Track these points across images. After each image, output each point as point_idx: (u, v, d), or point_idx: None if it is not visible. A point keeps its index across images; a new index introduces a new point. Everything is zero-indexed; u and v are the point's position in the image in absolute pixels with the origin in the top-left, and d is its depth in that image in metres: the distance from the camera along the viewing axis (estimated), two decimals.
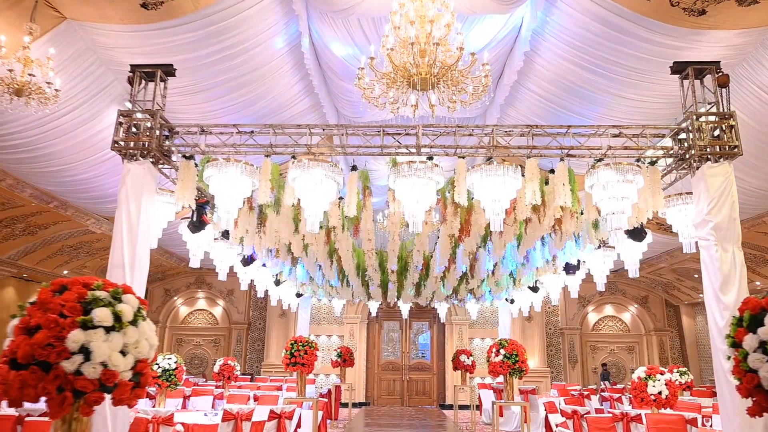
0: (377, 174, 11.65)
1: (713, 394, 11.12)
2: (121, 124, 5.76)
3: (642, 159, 5.60)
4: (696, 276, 14.62)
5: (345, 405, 14.66)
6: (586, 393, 9.46)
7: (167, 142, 5.91)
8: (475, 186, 5.44)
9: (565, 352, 17.51)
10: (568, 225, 6.35)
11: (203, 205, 7.19)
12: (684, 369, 9.08)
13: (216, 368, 10.57)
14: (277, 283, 11.99)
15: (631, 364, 17.58)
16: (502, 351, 6.73)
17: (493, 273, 9.31)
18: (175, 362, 7.77)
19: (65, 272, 13.78)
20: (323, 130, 5.77)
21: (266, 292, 13.43)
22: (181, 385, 8.04)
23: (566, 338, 17.64)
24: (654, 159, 5.85)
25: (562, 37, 7.63)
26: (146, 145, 5.70)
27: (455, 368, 13.12)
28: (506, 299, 14.35)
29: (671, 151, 5.64)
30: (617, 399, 8.41)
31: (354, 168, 6.06)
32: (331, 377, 17.00)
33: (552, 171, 6.21)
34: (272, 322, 17.70)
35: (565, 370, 17.39)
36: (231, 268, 10.95)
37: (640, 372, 6.56)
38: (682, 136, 5.69)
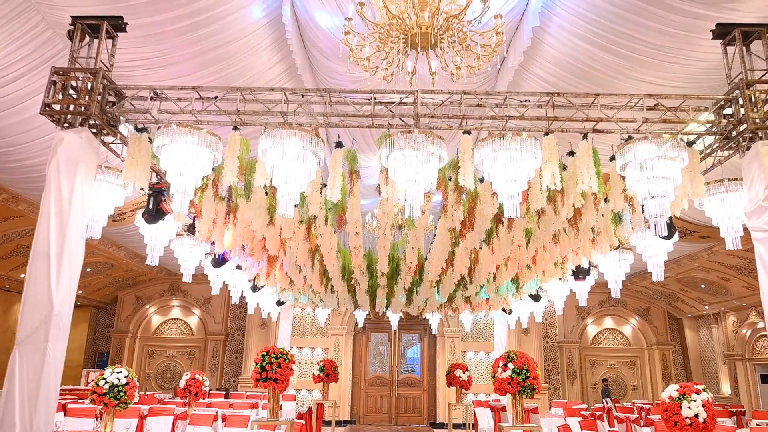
0: (367, 172, 10.68)
1: (731, 414, 10.22)
2: (54, 83, 4.74)
3: (680, 137, 4.70)
4: (703, 286, 13.80)
5: (328, 423, 13.52)
6: (598, 413, 8.49)
7: (112, 108, 4.88)
8: (485, 163, 4.49)
9: (564, 367, 16.54)
10: (589, 217, 5.41)
11: (161, 191, 6.16)
12: (704, 386, 8.12)
13: (182, 383, 9.40)
14: (255, 288, 10.90)
15: (632, 380, 16.68)
16: (511, 365, 5.74)
17: (495, 277, 8.33)
18: (126, 376, 6.65)
19: (22, 275, 12.54)
20: (302, 96, 4.80)
21: (243, 299, 12.34)
22: (133, 404, 6.91)
23: (564, 352, 16.69)
24: (692, 138, 4.96)
25: (575, 10, 6.76)
26: (85, 110, 4.68)
27: (449, 384, 12.08)
28: (503, 309, 13.37)
29: (716, 127, 4.74)
30: (634, 420, 7.44)
31: (339, 145, 5.08)
32: (314, 393, 15.84)
33: (571, 153, 5.30)
34: (252, 333, 16.52)
35: (564, 386, 16.41)
36: (203, 270, 9.91)
37: (672, 390, 5.60)
38: (728, 110, 4.81)
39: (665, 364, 16.53)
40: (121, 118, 4.98)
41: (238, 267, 9.48)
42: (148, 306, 17.62)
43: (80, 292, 16.47)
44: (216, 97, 4.85)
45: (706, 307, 14.99)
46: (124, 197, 5.60)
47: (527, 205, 5.39)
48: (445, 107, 4.78)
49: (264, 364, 6.06)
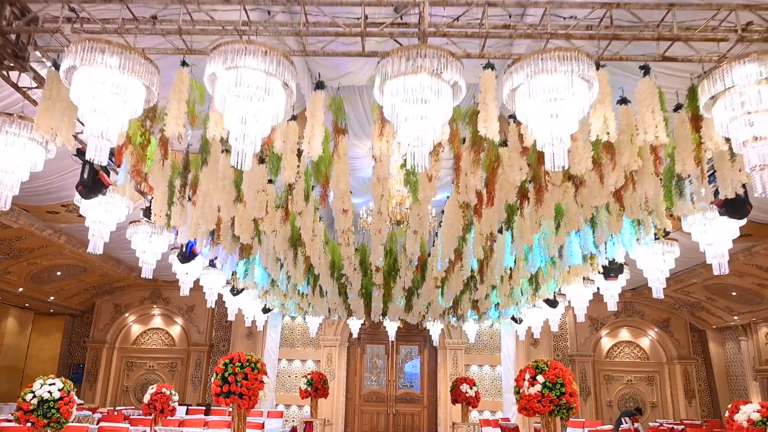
0: (358, 164, 9.46)
1: None
2: None
3: None
4: (734, 294, 12.50)
5: None
6: None
7: (10, 27, 3.65)
8: (518, 97, 3.26)
9: (577, 383, 15.14)
10: (646, 185, 4.15)
11: None
12: None
13: (146, 398, 8.09)
14: (234, 290, 9.59)
15: (651, 397, 15.28)
16: (540, 377, 4.46)
17: (510, 276, 7.05)
18: (60, 389, 5.36)
19: None
20: (269, 13, 3.58)
21: (224, 305, 11.04)
22: (69, 422, 5.61)
23: (577, 366, 15.32)
24: None
25: None
26: None
27: (454, 401, 10.72)
28: (513, 318, 12.06)
29: None
30: None
31: (320, 85, 3.84)
32: (305, 410, 14.44)
33: (622, 101, 4.07)
34: (237, 344, 15.16)
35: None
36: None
37: (751, 412, 4.31)
38: None
39: (687, 379, 15.15)
40: (29, 47, 3.75)
41: (212, 264, 8.21)
42: (127, 314, 16.29)
43: (52, 298, 15.12)
44: (154, 18, 3.62)
45: (735, 318, 13.67)
46: (44, 159, 4.34)
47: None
48: (460, 28, 3.56)
49: (226, 374, 4.77)
